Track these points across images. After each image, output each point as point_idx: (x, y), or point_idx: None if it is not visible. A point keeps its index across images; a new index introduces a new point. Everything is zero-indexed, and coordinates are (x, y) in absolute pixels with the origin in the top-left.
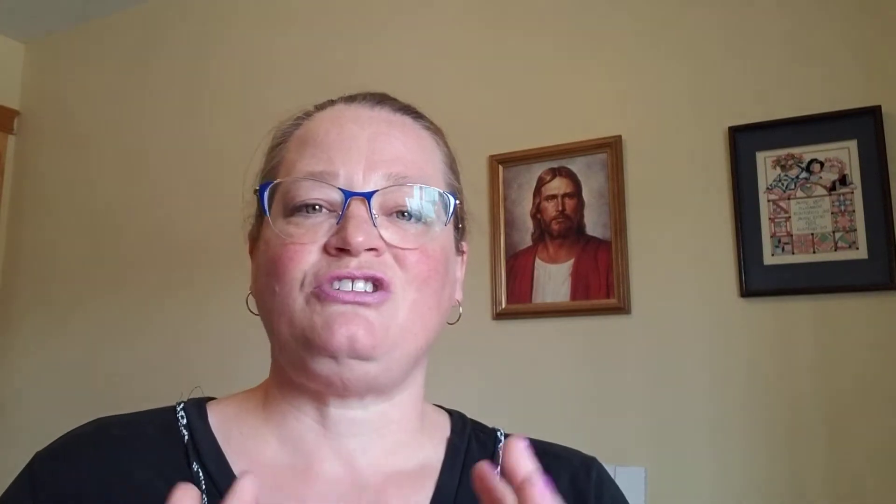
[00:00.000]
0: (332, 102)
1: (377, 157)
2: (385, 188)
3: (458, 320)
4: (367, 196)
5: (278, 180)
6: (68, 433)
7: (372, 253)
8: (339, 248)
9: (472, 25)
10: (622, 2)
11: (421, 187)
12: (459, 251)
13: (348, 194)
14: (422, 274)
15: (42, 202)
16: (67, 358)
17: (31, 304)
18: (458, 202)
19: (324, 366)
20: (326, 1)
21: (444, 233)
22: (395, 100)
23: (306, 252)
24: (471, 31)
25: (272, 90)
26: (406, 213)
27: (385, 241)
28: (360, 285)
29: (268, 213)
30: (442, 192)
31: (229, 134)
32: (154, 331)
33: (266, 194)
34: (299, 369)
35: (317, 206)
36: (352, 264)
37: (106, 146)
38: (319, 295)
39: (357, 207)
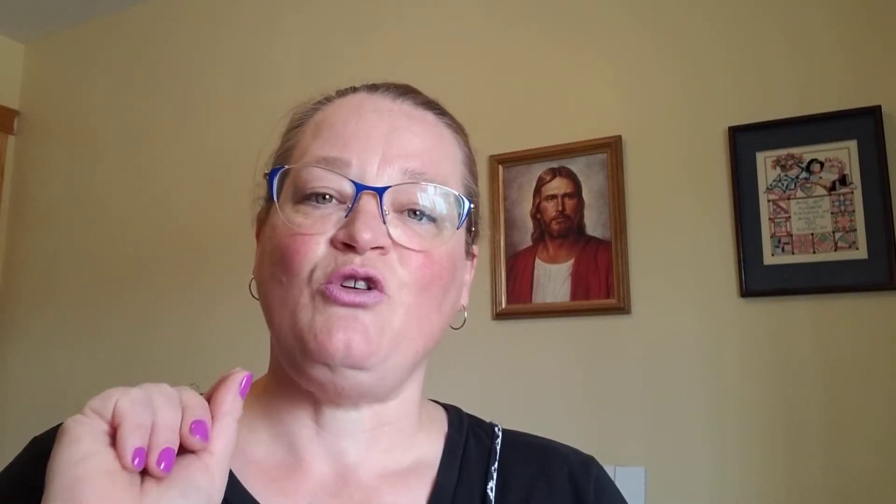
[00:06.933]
0: (354, 89)
1: (394, 150)
2: (398, 185)
3: (462, 325)
4: (380, 192)
5: (289, 166)
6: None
7: (378, 251)
8: (346, 244)
9: (473, 26)
10: (622, 2)
11: (436, 186)
12: (469, 255)
13: (360, 188)
14: (423, 279)
15: (42, 202)
16: (68, 361)
17: (31, 306)
18: (472, 206)
19: (318, 372)
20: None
21: (454, 237)
22: (419, 93)
23: (314, 244)
24: (471, 31)
25: (273, 88)
26: (417, 213)
27: (392, 239)
28: (360, 284)
29: (276, 199)
30: (458, 194)
31: (231, 132)
32: (158, 333)
33: (276, 179)
34: (294, 368)
35: (327, 196)
36: (356, 261)
37: (106, 146)
38: (325, 294)
39: (367, 202)
